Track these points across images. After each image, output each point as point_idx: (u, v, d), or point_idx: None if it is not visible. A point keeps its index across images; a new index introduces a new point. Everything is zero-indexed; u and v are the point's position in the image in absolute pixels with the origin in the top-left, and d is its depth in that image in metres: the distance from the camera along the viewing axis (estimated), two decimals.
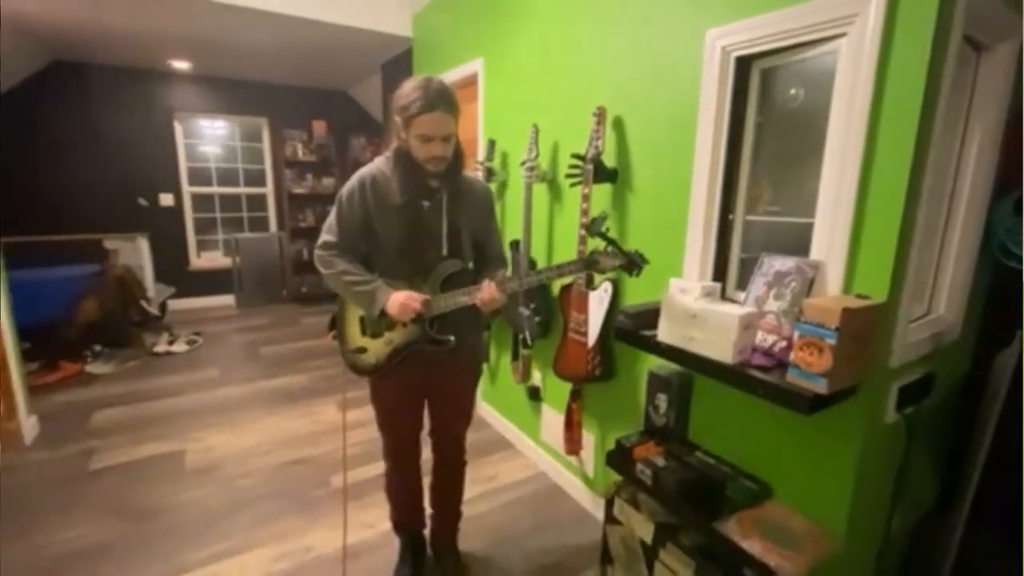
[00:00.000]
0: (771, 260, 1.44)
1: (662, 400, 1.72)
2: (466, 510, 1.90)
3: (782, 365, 1.27)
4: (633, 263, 1.50)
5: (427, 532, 1.92)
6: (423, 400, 1.69)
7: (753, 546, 1.29)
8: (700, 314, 1.37)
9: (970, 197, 1.45)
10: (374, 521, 2.09)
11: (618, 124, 1.89)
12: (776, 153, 1.58)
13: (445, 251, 1.51)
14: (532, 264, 2.35)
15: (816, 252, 1.34)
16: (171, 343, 4.08)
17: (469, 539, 1.95)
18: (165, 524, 2.09)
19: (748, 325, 1.31)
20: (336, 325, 1.62)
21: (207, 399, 3.26)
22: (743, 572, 1.41)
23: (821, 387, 1.13)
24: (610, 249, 1.52)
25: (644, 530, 1.66)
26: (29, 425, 2.73)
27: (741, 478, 1.52)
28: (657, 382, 1.73)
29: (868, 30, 1.17)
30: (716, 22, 1.50)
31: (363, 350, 1.56)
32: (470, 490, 1.90)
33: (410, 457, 1.77)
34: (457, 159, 1.49)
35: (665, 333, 1.47)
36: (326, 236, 1.52)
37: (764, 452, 1.51)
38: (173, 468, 2.48)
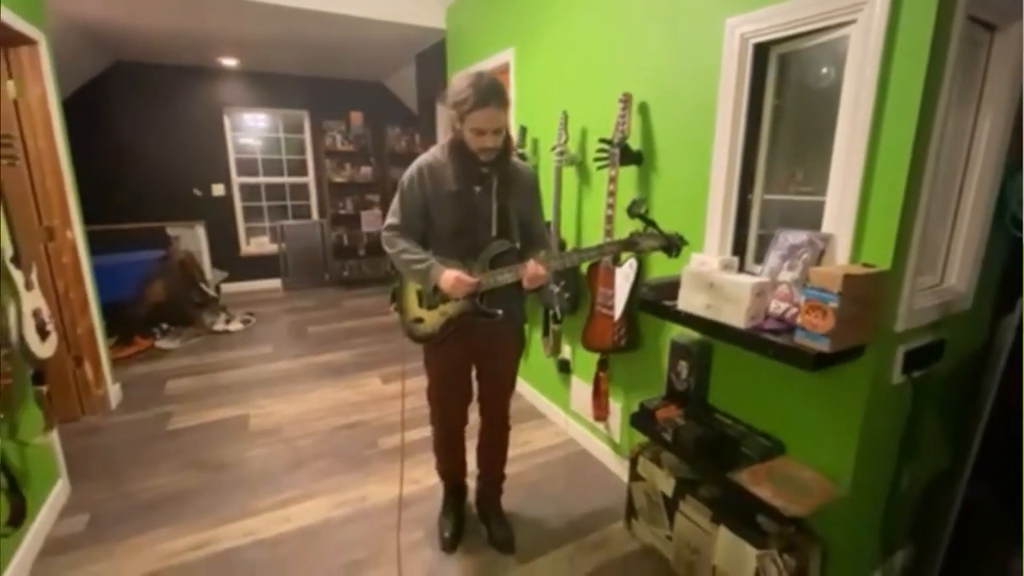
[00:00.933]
0: (785, 234, 1.55)
1: (683, 367, 1.86)
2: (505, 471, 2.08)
3: (792, 329, 1.38)
4: (672, 244, 1.57)
5: (471, 487, 2.10)
6: (471, 368, 1.83)
7: (763, 491, 1.42)
8: (716, 283, 1.49)
9: (982, 171, 1.51)
10: (420, 477, 2.31)
11: (643, 109, 2.00)
12: (796, 134, 1.67)
13: (495, 232, 1.63)
14: (562, 244, 2.50)
15: (827, 225, 1.44)
16: (228, 322, 4.43)
17: (505, 495, 2.13)
18: (236, 476, 2.37)
19: (760, 292, 1.43)
20: (396, 298, 1.78)
21: (264, 372, 3.56)
22: (756, 518, 1.56)
23: (824, 346, 1.25)
24: (650, 231, 1.58)
25: (666, 485, 1.81)
26: (114, 392, 3.07)
27: (755, 436, 1.65)
28: (679, 350, 1.87)
29: (875, 16, 1.25)
30: (735, 11, 1.59)
31: (420, 320, 1.71)
32: None
33: (456, 423, 1.90)
34: (506, 147, 1.59)
35: (685, 302, 1.61)
36: (390, 219, 1.68)
37: (777, 412, 1.63)
38: (239, 430, 2.77)
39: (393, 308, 1.80)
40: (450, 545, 1.91)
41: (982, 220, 1.55)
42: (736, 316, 1.44)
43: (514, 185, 1.64)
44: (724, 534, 1.59)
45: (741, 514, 1.58)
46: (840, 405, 1.45)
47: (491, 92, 1.44)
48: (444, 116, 3.83)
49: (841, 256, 1.39)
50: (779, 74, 1.63)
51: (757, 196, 1.73)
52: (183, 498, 2.21)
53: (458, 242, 1.64)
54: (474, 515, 2.07)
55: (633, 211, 1.64)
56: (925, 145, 1.25)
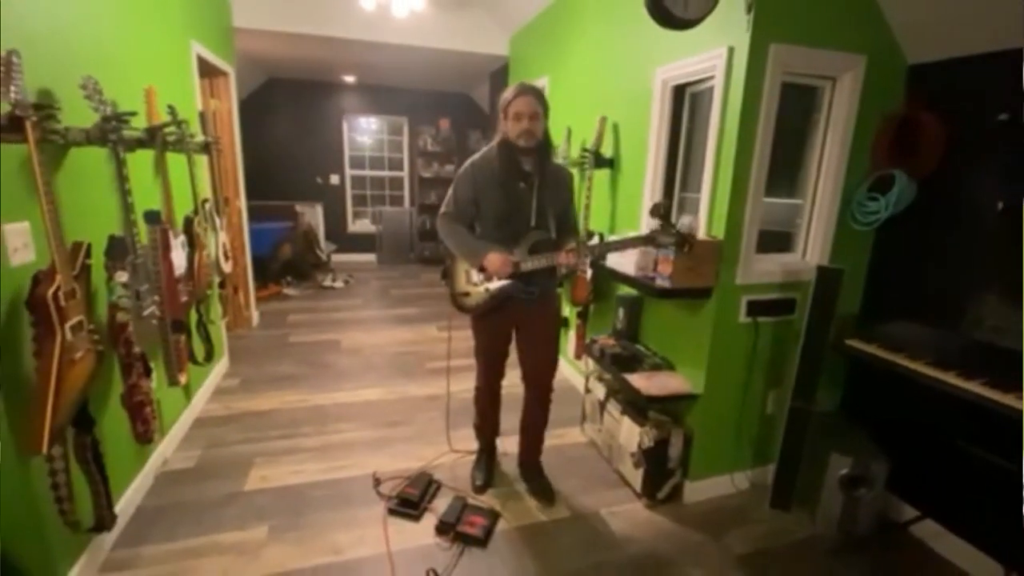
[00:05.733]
0: (682, 217, 2.26)
1: (621, 312, 2.60)
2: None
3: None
4: (685, 241, 1.81)
5: (510, 450, 2.42)
6: (511, 337, 2.08)
7: (637, 383, 2.17)
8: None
9: (824, 180, 2.11)
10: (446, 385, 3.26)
11: (615, 128, 2.76)
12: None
13: (533, 223, 1.87)
14: None
15: (700, 211, 2.14)
16: (333, 281, 5.74)
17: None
18: (331, 371, 3.49)
19: (645, 252, 2.16)
20: (447, 275, 2.06)
21: (355, 315, 4.75)
22: (648, 412, 2.29)
23: (666, 283, 1.99)
24: (669, 230, 1.81)
25: (601, 393, 2.58)
26: (255, 315, 4.39)
27: (656, 357, 2.38)
28: (620, 301, 2.62)
29: (719, 75, 1.95)
30: (660, 63, 2.32)
31: (467, 294, 1.99)
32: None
33: (496, 379, 2.21)
34: (546, 147, 1.86)
35: (610, 260, 2.38)
36: (444, 208, 1.96)
37: (672, 342, 2.35)
38: (334, 347, 3.93)
39: (444, 283, 2.10)
40: (480, 491, 2.25)
41: (827, 216, 2.13)
42: (629, 267, 2.19)
43: (552, 184, 1.90)
44: (627, 421, 2.33)
45: (639, 409, 2.32)
46: (700, 333, 2.14)
47: (528, 87, 1.79)
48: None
49: (702, 231, 2.09)
50: (691, 108, 2.34)
51: (676, 192, 2.44)
52: (297, 378, 3.36)
53: (501, 229, 1.88)
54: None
55: (655, 213, 1.86)
56: (747, 164, 1.92)
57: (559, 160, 3.16)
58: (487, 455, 2.39)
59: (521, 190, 1.85)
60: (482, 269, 1.89)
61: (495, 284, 1.91)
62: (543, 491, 2.23)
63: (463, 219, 1.94)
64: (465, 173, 1.91)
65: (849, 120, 2.05)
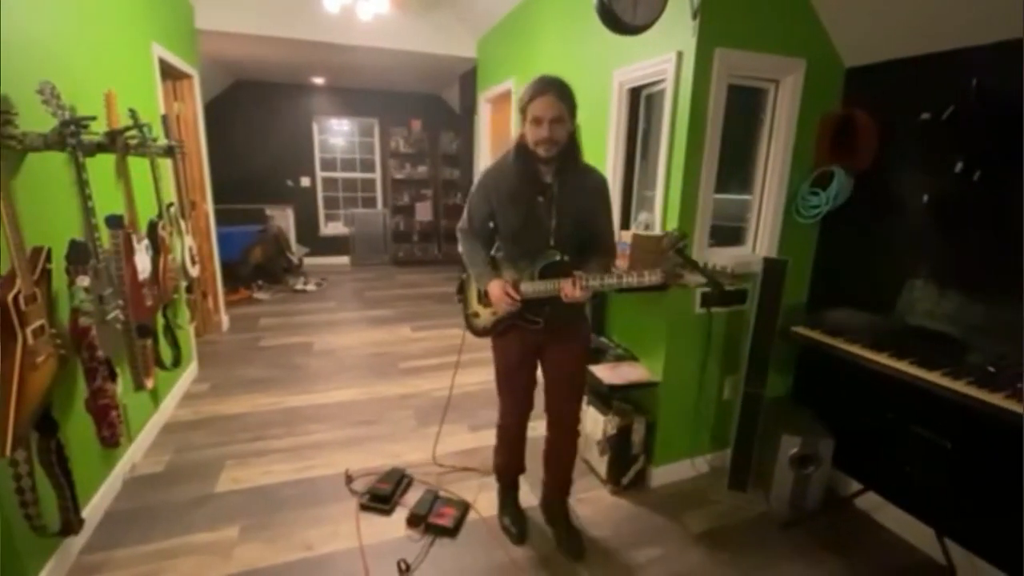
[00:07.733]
0: (640, 214, 2.36)
1: (587, 307, 2.69)
2: (479, 386, 2.95)
3: None
4: (717, 284, 1.55)
5: (537, 497, 2.14)
6: (534, 363, 1.86)
7: (601, 373, 2.25)
8: None
9: (771, 177, 2.23)
10: (419, 384, 3.31)
11: (577, 128, 2.84)
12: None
13: (552, 242, 1.64)
14: None
15: (656, 208, 2.24)
16: (305, 284, 5.71)
17: (471, 395, 3.05)
18: (303, 373, 3.49)
19: None
20: (462, 291, 1.92)
21: (327, 318, 4.75)
22: (611, 401, 2.38)
23: None
24: (694, 268, 1.55)
25: None
26: (225, 320, 4.35)
27: (619, 349, 2.47)
28: None
29: (669, 78, 2.06)
30: (617, 66, 2.42)
31: (476, 315, 1.85)
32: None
33: (518, 413, 1.93)
34: (572, 151, 1.62)
35: None
36: (460, 223, 1.82)
37: (634, 334, 2.44)
38: (306, 349, 3.93)
39: (458, 299, 1.94)
40: (519, 539, 1.98)
41: (774, 210, 2.26)
42: None
43: (578, 194, 1.65)
44: (592, 411, 2.42)
45: (603, 399, 2.40)
46: (658, 325, 2.25)
47: (549, 83, 1.51)
48: (482, 122, 4.80)
49: (658, 226, 2.19)
50: (647, 109, 2.44)
51: (635, 190, 2.54)
52: (267, 381, 3.36)
53: (518, 245, 1.69)
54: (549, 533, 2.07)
55: (673, 246, 1.57)
56: (696, 162, 2.03)
57: None
58: (511, 495, 2.11)
59: (538, 204, 1.62)
60: (486, 294, 1.74)
61: (501, 307, 1.74)
62: (570, 542, 1.94)
63: (479, 233, 1.78)
64: (478, 188, 1.72)
65: (792, 120, 2.17)
